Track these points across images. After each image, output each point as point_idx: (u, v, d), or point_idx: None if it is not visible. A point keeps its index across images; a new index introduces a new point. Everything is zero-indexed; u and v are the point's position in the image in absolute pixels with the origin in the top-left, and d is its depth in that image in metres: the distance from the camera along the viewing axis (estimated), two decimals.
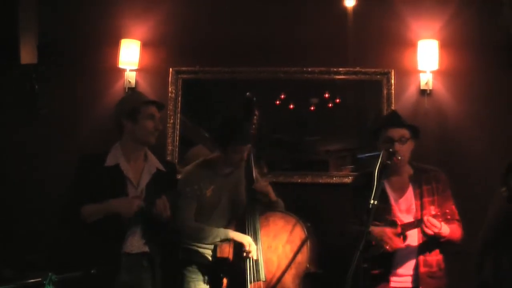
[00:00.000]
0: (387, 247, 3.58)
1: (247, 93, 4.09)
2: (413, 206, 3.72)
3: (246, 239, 3.78)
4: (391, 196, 3.77)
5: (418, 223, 3.58)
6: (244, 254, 3.76)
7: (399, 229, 3.60)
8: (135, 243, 3.57)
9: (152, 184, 3.64)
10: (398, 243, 3.59)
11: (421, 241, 3.67)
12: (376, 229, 3.56)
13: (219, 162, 4.06)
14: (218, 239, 3.84)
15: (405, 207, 3.74)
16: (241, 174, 4.07)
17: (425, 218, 3.52)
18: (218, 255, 3.85)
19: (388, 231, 3.59)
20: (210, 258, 3.96)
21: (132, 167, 3.65)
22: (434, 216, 3.52)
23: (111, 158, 3.63)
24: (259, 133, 4.07)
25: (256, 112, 4.04)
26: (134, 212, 3.47)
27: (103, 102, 5.23)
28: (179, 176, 4.07)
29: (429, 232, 3.51)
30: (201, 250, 3.98)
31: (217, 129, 4.07)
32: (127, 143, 3.68)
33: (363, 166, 4.91)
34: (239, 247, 3.80)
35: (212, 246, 3.92)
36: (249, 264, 3.78)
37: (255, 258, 3.76)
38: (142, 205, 3.50)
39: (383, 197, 3.67)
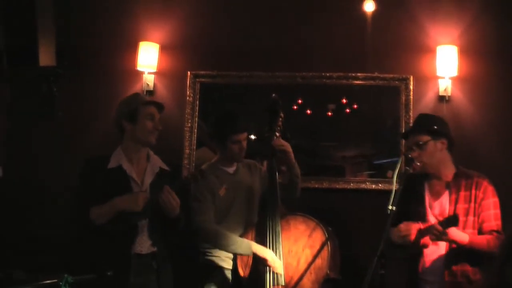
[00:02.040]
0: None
1: (273, 95, 3.97)
2: (447, 212, 3.52)
3: (268, 254, 3.63)
4: (427, 199, 3.60)
5: (430, 229, 3.39)
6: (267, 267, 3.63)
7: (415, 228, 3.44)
8: (144, 243, 3.48)
9: (156, 182, 3.55)
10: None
11: (447, 249, 3.49)
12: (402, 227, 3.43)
13: (222, 161, 3.98)
14: (240, 251, 3.71)
15: (438, 211, 3.56)
16: (249, 173, 4.04)
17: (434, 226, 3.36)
18: (241, 274, 3.74)
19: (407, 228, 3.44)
20: (230, 276, 3.86)
21: (135, 168, 3.60)
22: (440, 223, 3.33)
23: (114, 160, 3.59)
24: (284, 136, 3.95)
25: (282, 114, 3.91)
26: (142, 205, 3.38)
27: None
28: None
29: (432, 236, 3.34)
30: (221, 263, 3.87)
31: (212, 127, 4.03)
32: (129, 144, 3.63)
33: (382, 172, 4.82)
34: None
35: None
36: (269, 269, 3.63)
37: (279, 272, 3.61)
38: (149, 198, 3.40)
39: (419, 200, 3.57)
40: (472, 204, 3.48)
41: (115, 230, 3.38)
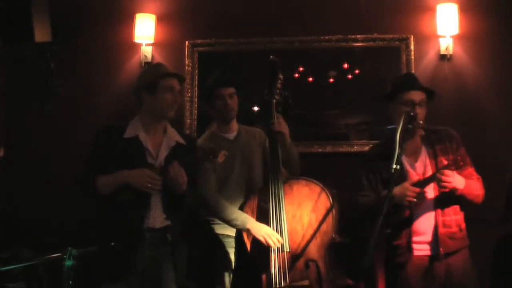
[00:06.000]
0: (411, 200, 3.34)
1: (271, 56, 3.83)
2: (429, 167, 3.48)
3: (261, 235, 3.53)
4: (406, 161, 3.53)
5: (434, 176, 3.35)
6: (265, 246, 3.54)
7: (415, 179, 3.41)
8: (158, 218, 3.41)
9: (171, 156, 3.45)
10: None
11: (438, 202, 3.44)
12: (396, 189, 3.32)
13: (220, 127, 3.95)
14: (236, 225, 3.65)
15: (421, 170, 3.50)
16: (252, 139, 3.96)
17: (439, 172, 3.31)
18: (246, 241, 3.66)
19: (407, 184, 3.37)
20: (233, 244, 3.83)
21: (151, 139, 3.49)
22: (447, 166, 3.29)
23: (130, 129, 3.47)
24: (286, 102, 3.87)
25: (281, 76, 3.79)
26: (148, 185, 3.30)
27: (120, 77, 5.06)
28: None
29: (446, 180, 3.28)
30: (224, 231, 3.84)
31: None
32: (146, 116, 3.52)
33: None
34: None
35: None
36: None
37: (278, 246, 3.52)
38: (156, 177, 3.32)
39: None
40: (451, 155, 3.43)
41: (128, 203, 3.32)
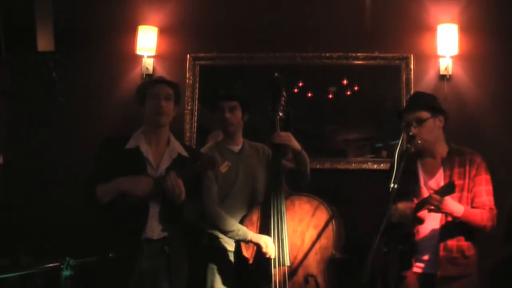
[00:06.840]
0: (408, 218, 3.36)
1: (276, 74, 3.87)
2: None
3: (262, 240, 3.54)
4: (422, 178, 3.52)
5: (426, 200, 3.32)
6: (263, 255, 3.55)
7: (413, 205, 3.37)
8: (156, 229, 3.40)
9: (172, 168, 3.44)
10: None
11: (442, 224, 3.41)
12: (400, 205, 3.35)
13: (226, 138, 3.94)
14: (237, 238, 3.63)
15: (434, 189, 3.47)
16: (256, 154, 3.95)
17: (430, 196, 3.28)
18: (244, 253, 3.65)
19: (405, 206, 3.37)
20: (232, 258, 3.78)
21: (153, 150, 3.51)
22: (438, 192, 3.26)
23: (132, 141, 3.50)
24: (287, 116, 3.87)
25: (284, 93, 3.81)
26: (144, 190, 3.30)
27: (121, 88, 5.06)
28: None
29: (430, 206, 3.26)
30: (224, 245, 3.79)
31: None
32: (146, 127, 3.56)
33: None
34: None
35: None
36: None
37: (273, 257, 3.52)
38: (153, 184, 3.32)
39: (414, 179, 3.49)
40: (467, 181, 3.42)
41: (120, 209, 3.30)
